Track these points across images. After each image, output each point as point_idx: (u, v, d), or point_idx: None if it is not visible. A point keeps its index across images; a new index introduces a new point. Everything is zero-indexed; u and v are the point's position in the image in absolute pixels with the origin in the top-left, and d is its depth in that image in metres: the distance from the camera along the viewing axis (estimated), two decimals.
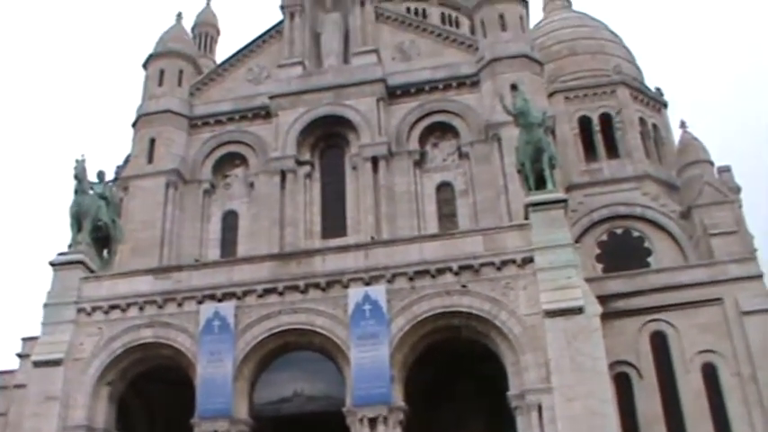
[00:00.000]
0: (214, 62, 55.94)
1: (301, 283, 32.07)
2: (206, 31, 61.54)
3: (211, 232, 42.71)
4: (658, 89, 51.49)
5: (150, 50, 47.37)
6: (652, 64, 55.01)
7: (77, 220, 34.89)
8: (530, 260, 30.71)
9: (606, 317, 31.51)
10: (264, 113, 43.99)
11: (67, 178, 34.59)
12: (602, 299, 32.38)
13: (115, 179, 44.75)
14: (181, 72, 46.18)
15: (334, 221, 40.85)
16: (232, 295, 32.23)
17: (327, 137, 43.13)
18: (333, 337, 31.00)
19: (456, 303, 30.86)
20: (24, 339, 39.19)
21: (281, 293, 32.14)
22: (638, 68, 53.68)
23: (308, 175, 42.14)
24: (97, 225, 35.02)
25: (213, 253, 41.75)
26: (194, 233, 42.23)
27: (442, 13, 61.62)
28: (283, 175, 41.56)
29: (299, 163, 42.00)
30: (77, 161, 35.75)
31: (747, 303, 36.55)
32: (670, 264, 42.00)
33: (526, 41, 43.41)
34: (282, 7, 46.99)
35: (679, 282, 38.24)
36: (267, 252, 37.32)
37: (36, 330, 34.00)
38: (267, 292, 32.22)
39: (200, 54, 55.91)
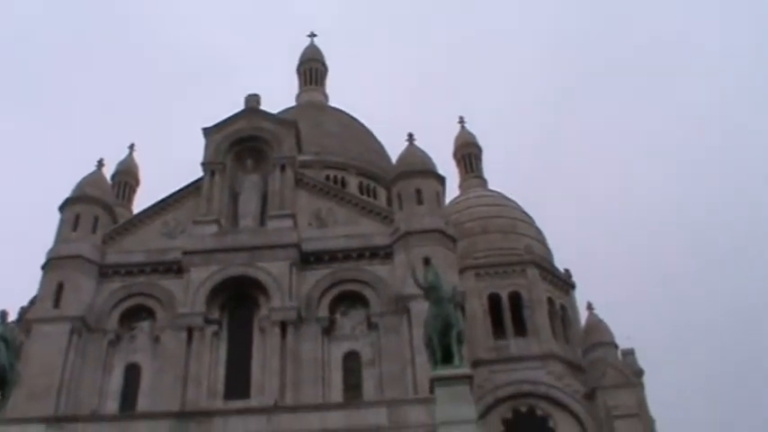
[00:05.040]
0: (131, 212, 55.65)
1: None
2: (126, 180, 61.39)
3: (112, 384, 41.12)
4: (567, 270, 52.55)
5: (67, 194, 46.90)
6: (562, 245, 56.19)
7: None
8: None
9: None
10: (176, 268, 43.37)
11: None
12: None
13: (18, 320, 43.80)
14: (96, 219, 45.50)
15: (238, 383, 39.87)
16: None
17: (238, 297, 42.61)
18: None
19: None
20: None
21: None
22: (548, 249, 54.80)
23: (216, 334, 41.42)
24: None
25: (112, 405, 40.25)
26: (94, 383, 40.62)
27: (361, 183, 62.74)
28: (190, 332, 40.74)
29: (208, 321, 41.29)
30: None
31: None
32: None
33: (441, 217, 43.91)
34: (204, 164, 47.21)
35: None
36: (167, 409, 36.54)
37: None
38: None
39: (118, 202, 55.53)
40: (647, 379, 48.69)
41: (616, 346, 46.57)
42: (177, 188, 47.42)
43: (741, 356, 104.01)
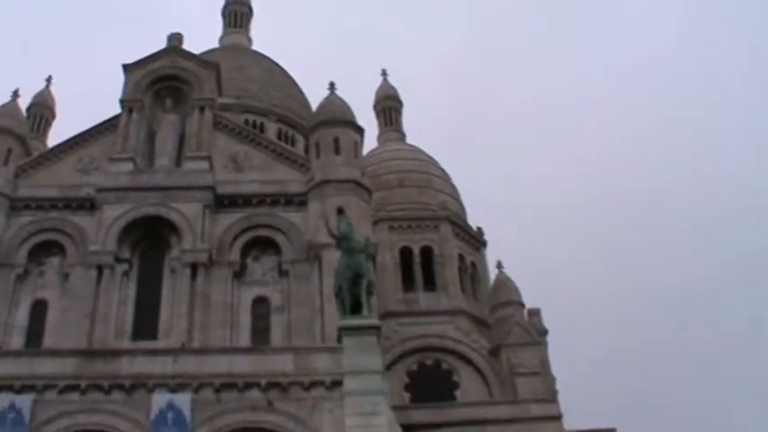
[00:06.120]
0: (45, 146, 54.51)
1: (105, 383, 31.54)
2: (41, 112, 60.17)
3: (18, 319, 40.29)
4: (479, 229, 53.22)
5: None
6: (476, 203, 56.73)
7: None
8: (339, 383, 31.19)
9: None
10: (89, 205, 42.69)
11: None
12: (407, 428, 33.26)
13: None
14: (9, 150, 44.49)
15: (146, 323, 39.57)
16: (31, 388, 31.32)
17: (150, 237, 42.20)
18: None
19: (261, 420, 31.05)
20: None
21: (83, 391, 31.46)
22: (462, 206, 55.34)
23: (126, 274, 41.00)
24: None
25: (17, 341, 39.49)
26: (0, 318, 40.00)
27: (280, 129, 62.57)
28: (100, 270, 40.27)
29: (118, 260, 40.85)
30: None
31: None
32: (476, 398, 43.36)
33: (357, 167, 44.00)
34: (122, 101, 46.44)
35: (483, 417, 39.96)
36: (74, 347, 36.31)
37: None
38: (69, 388, 31.50)
39: (33, 135, 54.39)
40: (550, 338, 49.74)
41: (523, 306, 47.37)
42: (94, 124, 46.57)
43: (646, 323, 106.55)
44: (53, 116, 61.15)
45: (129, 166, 43.93)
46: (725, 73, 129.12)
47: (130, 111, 46.11)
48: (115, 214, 41.91)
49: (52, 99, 61.32)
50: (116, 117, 46.32)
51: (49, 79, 61.57)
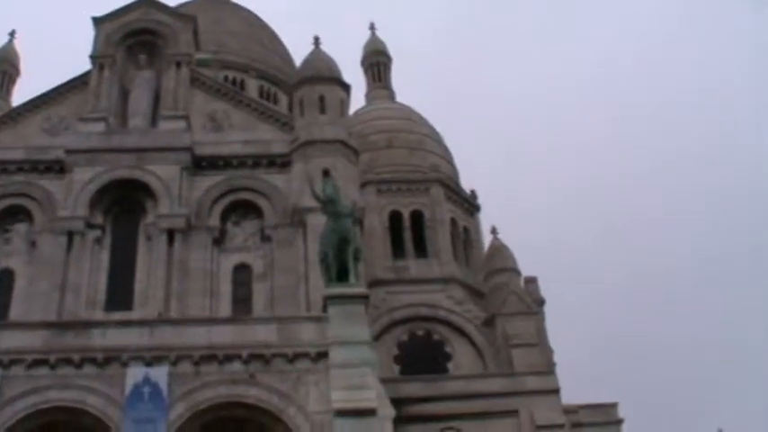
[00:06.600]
0: (9, 104, 52.49)
1: (76, 357, 30.08)
2: (5, 69, 57.93)
3: None
4: (473, 192, 51.71)
5: None
6: (469, 167, 55.43)
7: None
8: (324, 355, 29.97)
9: (399, 421, 30.74)
10: (58, 168, 41.24)
11: None
12: (397, 402, 31.69)
13: None
14: None
15: (120, 293, 38.36)
16: None
17: (123, 201, 40.81)
18: (105, 419, 29.01)
19: (242, 394, 29.78)
20: None
21: (52, 366, 29.97)
22: (454, 169, 53.76)
23: (98, 240, 39.63)
24: None
25: None
26: None
27: (261, 87, 61.59)
28: (70, 236, 38.85)
29: (90, 226, 39.45)
30: None
31: (542, 417, 37.46)
32: (469, 370, 42.38)
33: (344, 127, 42.76)
34: (93, 57, 44.76)
35: (476, 391, 38.76)
36: (42, 318, 34.93)
37: None
38: (37, 363, 30.06)
39: None
40: (547, 309, 48.72)
41: (519, 273, 46.11)
42: (62, 81, 44.85)
43: (647, 306, 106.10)
44: (18, 73, 58.82)
45: (100, 127, 42.37)
46: (725, 72, 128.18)
47: (102, 67, 44.43)
48: (86, 177, 40.50)
49: (16, 55, 59.06)
50: (86, 74, 44.66)
51: (12, 33, 59.62)
